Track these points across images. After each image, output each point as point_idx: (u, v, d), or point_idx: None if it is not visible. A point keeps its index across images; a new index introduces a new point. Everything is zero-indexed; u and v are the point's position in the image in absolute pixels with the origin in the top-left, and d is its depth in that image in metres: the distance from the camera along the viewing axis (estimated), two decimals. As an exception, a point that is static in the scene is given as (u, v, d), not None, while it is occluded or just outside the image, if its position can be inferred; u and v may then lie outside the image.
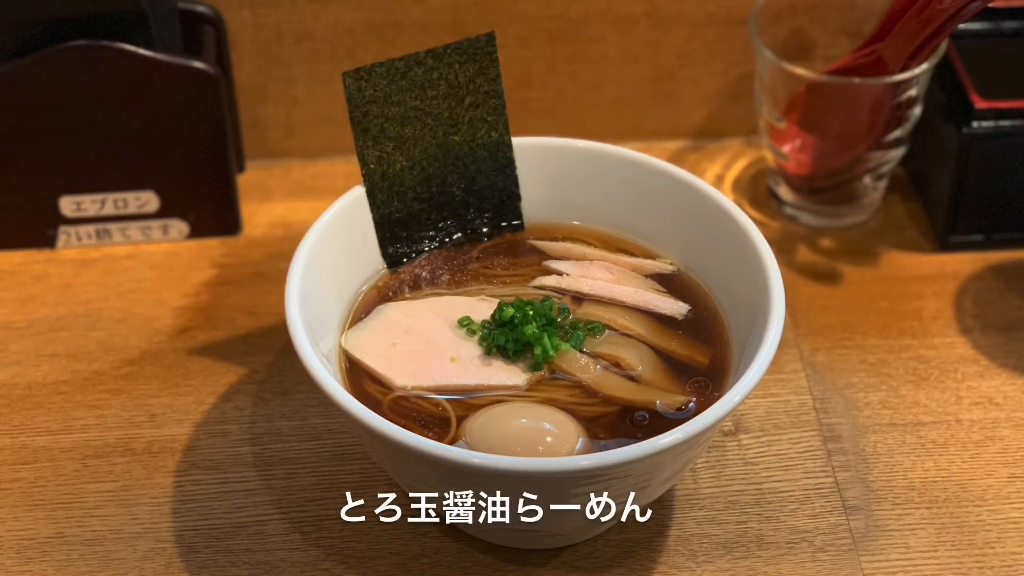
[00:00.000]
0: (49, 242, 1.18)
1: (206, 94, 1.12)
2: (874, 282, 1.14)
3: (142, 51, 1.09)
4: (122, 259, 1.17)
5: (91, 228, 1.17)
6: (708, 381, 0.90)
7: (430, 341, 0.92)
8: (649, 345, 0.93)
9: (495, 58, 0.97)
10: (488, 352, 0.91)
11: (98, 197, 1.16)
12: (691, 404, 0.88)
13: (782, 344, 0.87)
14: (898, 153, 1.15)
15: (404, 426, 0.82)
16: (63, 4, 1.08)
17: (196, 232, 1.19)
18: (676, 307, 0.96)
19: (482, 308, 0.94)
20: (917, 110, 1.13)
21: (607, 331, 0.93)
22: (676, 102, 1.27)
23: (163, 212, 1.17)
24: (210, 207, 1.18)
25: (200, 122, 1.13)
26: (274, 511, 0.96)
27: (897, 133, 1.13)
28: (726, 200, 0.95)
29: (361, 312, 0.95)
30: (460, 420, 0.88)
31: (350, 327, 0.94)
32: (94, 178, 1.16)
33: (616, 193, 1.00)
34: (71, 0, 1.07)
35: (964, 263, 1.16)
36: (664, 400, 0.89)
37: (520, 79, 1.23)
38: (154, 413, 1.03)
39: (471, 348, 0.92)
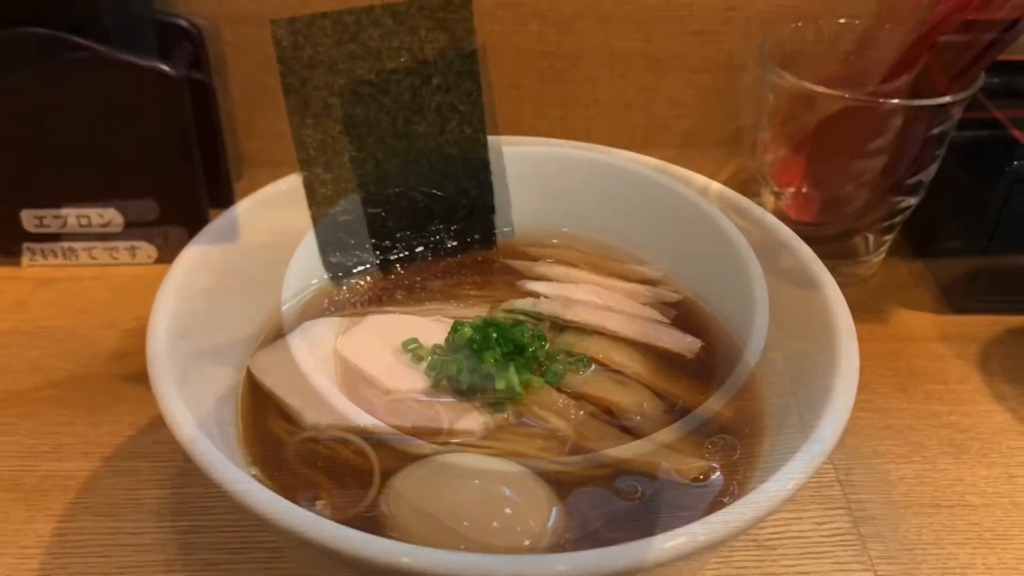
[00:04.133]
0: (16, 259, 0.73)
1: (170, 98, 0.68)
2: (885, 340, 0.68)
3: (98, 47, 0.66)
4: (86, 280, 0.74)
5: (56, 247, 0.73)
6: (734, 440, 0.44)
7: (362, 368, 0.46)
8: (649, 388, 0.47)
9: (471, 27, 0.53)
10: (436, 384, 0.46)
11: (60, 212, 0.72)
12: (715, 473, 0.42)
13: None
14: (912, 201, 0.70)
15: (308, 479, 0.37)
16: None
17: (165, 257, 0.74)
18: (686, 343, 0.50)
19: (434, 330, 0.49)
20: (942, 151, 0.68)
21: (594, 366, 0.47)
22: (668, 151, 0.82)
23: (128, 233, 0.73)
24: (178, 233, 0.73)
25: (166, 130, 0.70)
26: (161, 576, 0.50)
27: (919, 176, 0.68)
28: (738, 232, 0.50)
29: (281, 329, 0.50)
30: (387, 475, 0.41)
31: (262, 346, 0.48)
32: (56, 192, 0.72)
33: (607, 200, 0.55)
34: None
35: (981, 325, 0.70)
36: (674, 464, 0.42)
37: (511, 123, 0.79)
38: (61, 443, 0.59)
39: (415, 378, 0.46)
